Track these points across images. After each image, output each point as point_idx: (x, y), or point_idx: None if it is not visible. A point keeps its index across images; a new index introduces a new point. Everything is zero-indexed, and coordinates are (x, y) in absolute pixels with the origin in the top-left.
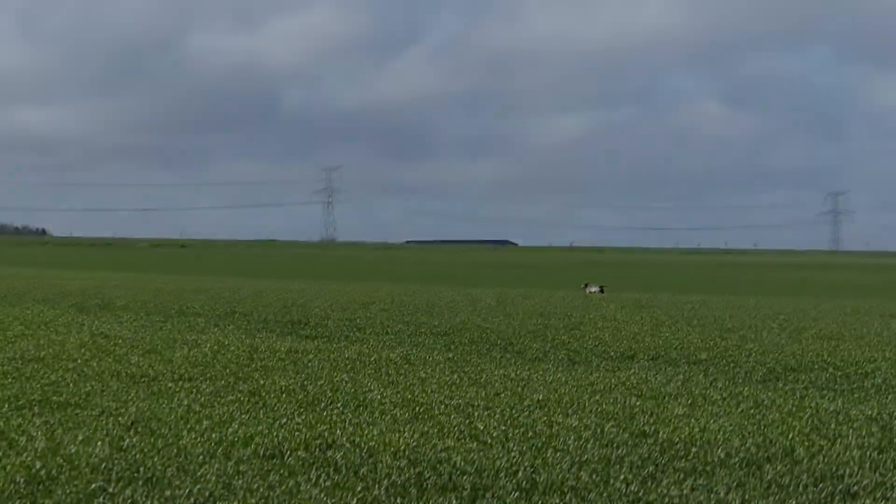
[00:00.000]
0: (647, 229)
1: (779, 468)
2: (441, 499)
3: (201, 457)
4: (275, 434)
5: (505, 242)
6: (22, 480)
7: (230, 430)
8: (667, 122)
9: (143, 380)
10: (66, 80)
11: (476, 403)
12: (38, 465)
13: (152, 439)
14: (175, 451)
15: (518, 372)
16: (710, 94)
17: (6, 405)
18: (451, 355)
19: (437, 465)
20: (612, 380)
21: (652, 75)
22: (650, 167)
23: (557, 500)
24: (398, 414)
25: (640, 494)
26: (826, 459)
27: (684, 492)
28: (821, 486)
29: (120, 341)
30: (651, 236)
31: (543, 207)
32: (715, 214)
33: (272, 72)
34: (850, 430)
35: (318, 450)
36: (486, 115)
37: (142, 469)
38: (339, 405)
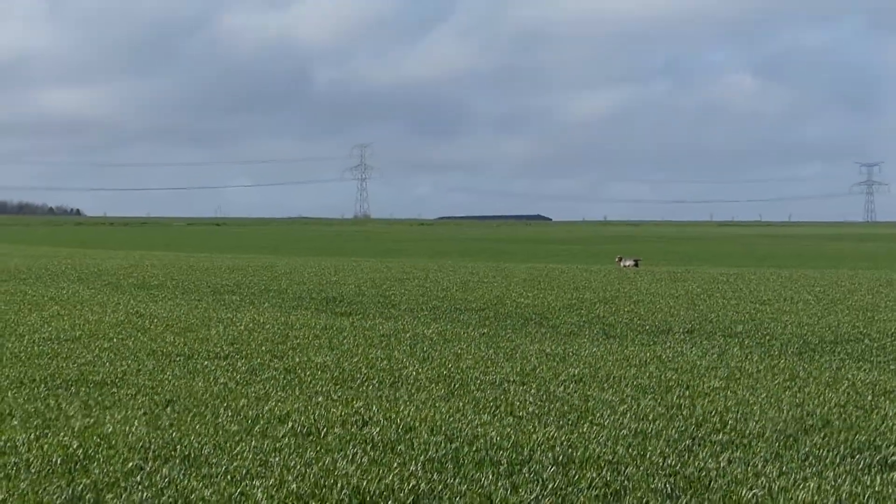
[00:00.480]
0: (681, 203)
1: (816, 440)
2: (478, 474)
3: (238, 435)
4: (311, 411)
5: (538, 217)
6: (59, 459)
7: (266, 407)
8: (699, 95)
9: (178, 358)
10: (97, 61)
11: (511, 379)
12: (74, 444)
13: (188, 417)
14: (212, 429)
15: (553, 347)
16: (742, 67)
17: (43, 385)
18: (485, 331)
19: (474, 441)
20: (648, 353)
21: (683, 49)
22: (683, 141)
23: (594, 475)
24: (434, 390)
25: (677, 468)
26: (863, 431)
27: (721, 465)
28: (858, 457)
29: (155, 320)
30: (684, 210)
31: (576, 182)
32: (749, 187)
33: (303, 50)
34: (887, 402)
35: (354, 426)
36: (517, 91)
37: (178, 447)
38: (374, 382)
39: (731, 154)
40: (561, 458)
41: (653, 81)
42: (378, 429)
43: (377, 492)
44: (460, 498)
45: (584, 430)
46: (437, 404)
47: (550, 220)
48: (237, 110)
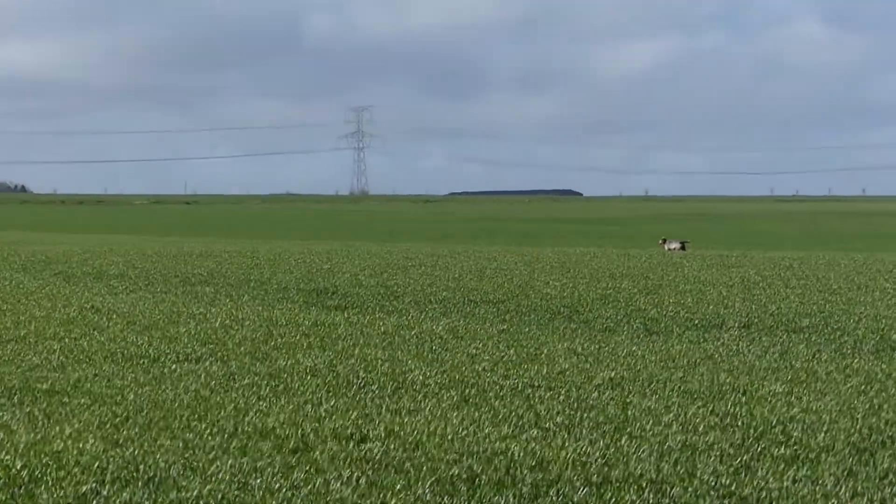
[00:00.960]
0: (736, 174)
1: None
2: (497, 497)
3: (212, 452)
4: (299, 424)
5: (568, 192)
6: None
7: (246, 419)
8: (757, 47)
9: (142, 361)
10: (48, 8)
11: (536, 383)
12: (18, 464)
13: (154, 432)
14: (181, 445)
15: (585, 345)
16: (809, 12)
17: None
18: (505, 327)
19: (492, 458)
20: (697, 352)
21: None
22: (739, 102)
23: (634, 497)
24: (444, 397)
25: (733, 488)
26: None
27: (784, 484)
28: None
29: (114, 316)
30: (740, 182)
31: (613, 151)
32: (816, 156)
33: None
34: None
35: (350, 442)
36: (543, 44)
37: (142, 467)
38: (374, 388)
39: (796, 117)
40: (595, 477)
41: (704, 31)
42: (378, 444)
43: None
44: None
45: (623, 443)
46: (448, 415)
47: (582, 195)
48: (214, 67)
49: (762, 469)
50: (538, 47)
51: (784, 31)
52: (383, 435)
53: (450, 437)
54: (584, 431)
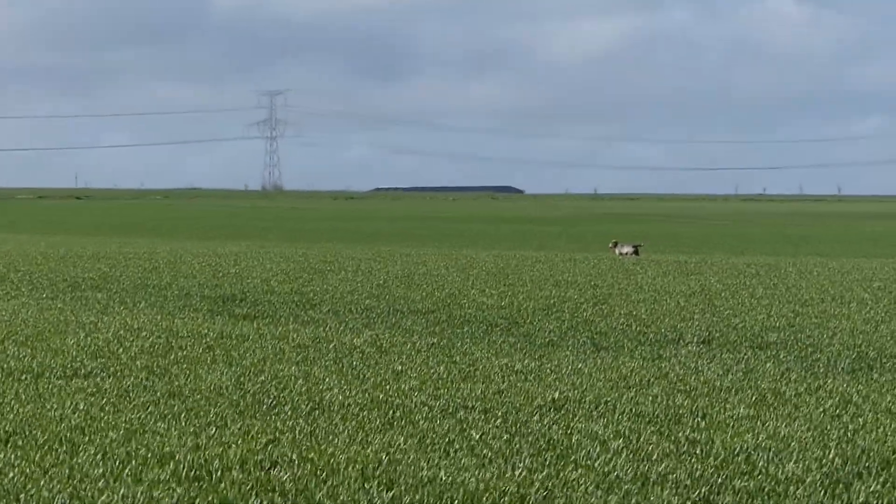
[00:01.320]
0: (698, 171)
1: (874, 487)
2: None
3: (103, 479)
4: (201, 448)
5: (508, 189)
6: None
7: (142, 443)
8: (727, 28)
9: (23, 377)
10: None
11: (470, 405)
12: None
13: (36, 456)
14: (67, 472)
15: (525, 362)
16: None
17: None
18: (435, 340)
19: (419, 488)
20: (651, 371)
21: None
22: (703, 89)
23: None
24: (366, 419)
25: None
26: None
27: None
28: None
29: None
30: (702, 179)
31: (560, 143)
32: (787, 150)
33: None
34: None
35: (258, 469)
36: (487, 21)
37: (22, 497)
38: (287, 409)
39: (767, 107)
40: None
41: (668, 8)
42: (291, 472)
43: None
44: None
45: (566, 473)
46: (370, 439)
47: (523, 192)
48: (108, 46)
49: (723, 503)
50: (479, 25)
51: (755, 10)
52: (296, 461)
53: (371, 464)
54: (523, 459)
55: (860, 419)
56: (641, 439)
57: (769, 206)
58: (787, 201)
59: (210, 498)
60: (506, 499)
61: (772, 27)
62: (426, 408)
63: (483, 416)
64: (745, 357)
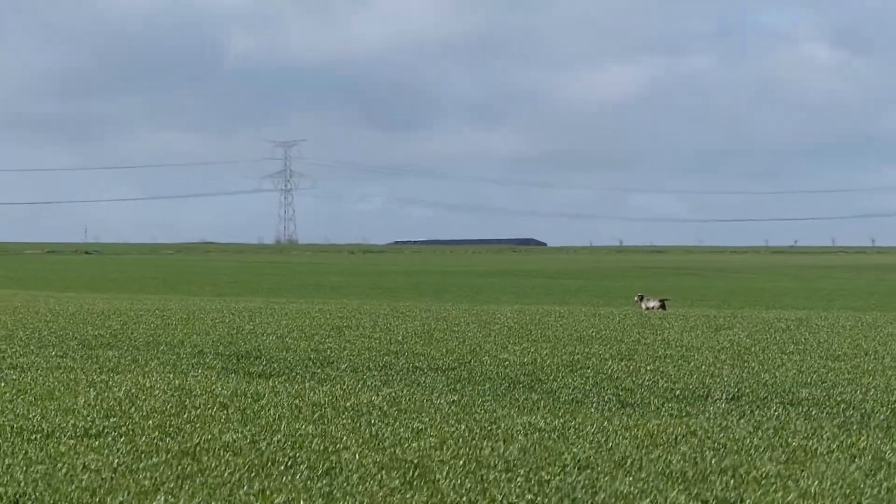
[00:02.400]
0: (726, 222)
1: None
2: None
3: None
4: None
5: (529, 242)
6: None
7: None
8: (754, 73)
9: (33, 437)
10: None
11: (492, 464)
12: None
13: None
14: None
15: (549, 419)
16: (816, 34)
17: None
18: (456, 398)
19: None
20: (679, 428)
21: (735, 10)
22: (729, 137)
23: None
24: (384, 480)
25: None
26: None
27: None
28: None
29: (2, 384)
30: (729, 231)
31: (582, 194)
32: (818, 200)
33: (211, 9)
34: None
35: None
36: (504, 68)
37: None
38: (303, 468)
39: (796, 154)
40: None
41: (693, 53)
42: None
43: None
44: None
45: None
46: (388, 500)
47: (545, 245)
48: (119, 93)
49: None
50: (496, 72)
51: (784, 55)
52: None
53: None
54: None
55: (895, 478)
56: (669, 498)
57: (800, 258)
58: (819, 253)
59: None
60: None
61: (803, 72)
62: (446, 467)
63: (505, 476)
64: (776, 413)
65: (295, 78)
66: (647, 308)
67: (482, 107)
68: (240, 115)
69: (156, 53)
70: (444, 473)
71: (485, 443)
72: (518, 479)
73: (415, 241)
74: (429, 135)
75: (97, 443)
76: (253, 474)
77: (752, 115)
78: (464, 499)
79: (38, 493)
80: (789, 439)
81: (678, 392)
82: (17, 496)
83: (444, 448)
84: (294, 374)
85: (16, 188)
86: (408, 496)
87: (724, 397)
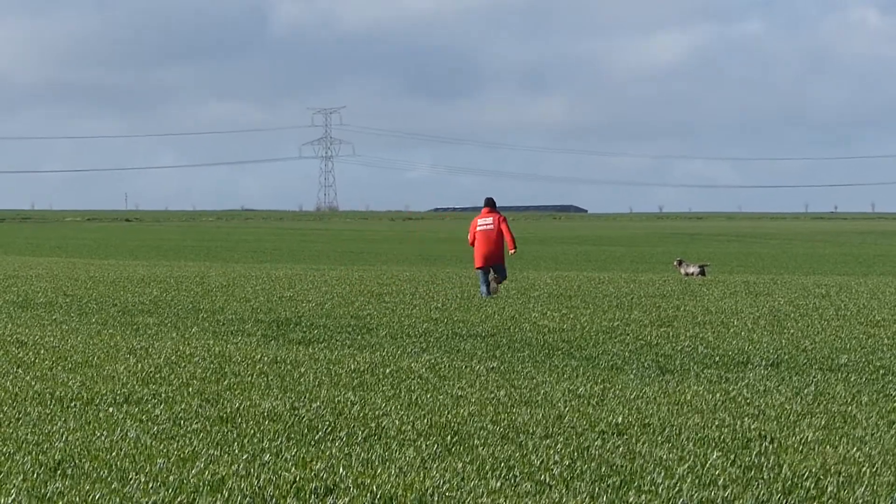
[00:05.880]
0: (767, 188)
1: None
2: None
3: None
4: (254, 475)
5: (570, 209)
6: None
7: (194, 470)
8: (803, 40)
9: (74, 403)
10: None
11: (531, 430)
12: None
13: (86, 485)
14: (118, 500)
15: (588, 386)
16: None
17: None
18: (495, 364)
19: None
20: (718, 394)
21: None
22: (775, 104)
23: None
24: (423, 445)
25: None
26: None
27: None
28: None
29: (42, 351)
30: (771, 196)
31: (625, 161)
32: (859, 166)
33: None
34: None
35: (314, 496)
36: (553, 36)
37: None
38: (342, 435)
39: (839, 123)
40: None
41: (741, 20)
42: (346, 500)
43: None
44: None
45: (630, 499)
46: (427, 466)
47: (586, 211)
48: (159, 64)
49: None
50: (544, 40)
51: (834, 21)
52: (352, 489)
53: (429, 492)
54: (584, 485)
55: None
56: (707, 464)
57: (841, 224)
58: (859, 219)
59: None
60: None
61: (852, 39)
62: (486, 433)
63: (544, 441)
64: (815, 380)
65: (340, 45)
66: (687, 273)
67: (530, 74)
68: (284, 83)
69: (200, 24)
70: (483, 439)
71: (524, 409)
72: (557, 445)
73: (454, 209)
74: (473, 103)
75: (137, 410)
76: (291, 441)
77: (801, 84)
78: (503, 464)
79: (78, 460)
80: (828, 405)
81: (717, 358)
82: (58, 463)
83: (484, 414)
84: (334, 340)
85: (58, 156)
86: (447, 462)
87: (763, 363)
